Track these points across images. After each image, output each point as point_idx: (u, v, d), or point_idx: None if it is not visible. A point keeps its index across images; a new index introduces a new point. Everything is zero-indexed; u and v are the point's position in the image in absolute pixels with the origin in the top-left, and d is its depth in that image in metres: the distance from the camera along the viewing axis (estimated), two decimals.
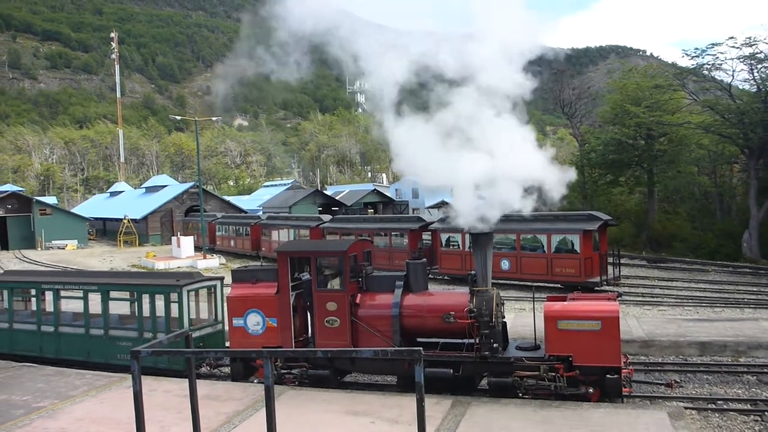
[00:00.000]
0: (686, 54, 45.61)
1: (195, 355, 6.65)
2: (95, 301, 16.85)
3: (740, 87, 40.60)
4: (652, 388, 13.87)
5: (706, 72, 41.08)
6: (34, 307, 18.22)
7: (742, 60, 37.45)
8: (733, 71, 39.06)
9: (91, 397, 13.09)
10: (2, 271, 23.07)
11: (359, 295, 13.41)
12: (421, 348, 5.68)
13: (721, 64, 38.78)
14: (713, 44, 40.33)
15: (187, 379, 13.62)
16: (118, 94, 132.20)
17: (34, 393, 13.52)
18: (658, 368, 15.22)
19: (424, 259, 13.79)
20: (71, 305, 18.04)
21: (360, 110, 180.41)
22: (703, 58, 40.01)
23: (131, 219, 62.99)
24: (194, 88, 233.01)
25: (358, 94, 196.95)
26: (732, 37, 37.57)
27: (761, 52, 36.61)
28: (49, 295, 17.80)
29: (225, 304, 15.33)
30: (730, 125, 37.54)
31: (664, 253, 40.00)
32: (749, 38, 36.85)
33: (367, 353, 5.84)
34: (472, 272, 12.76)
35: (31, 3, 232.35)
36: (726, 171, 47.80)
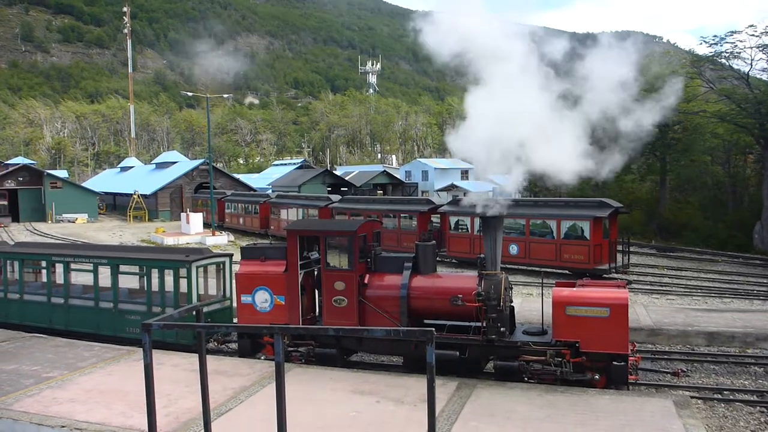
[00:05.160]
0: (704, 41, 45.07)
1: (205, 329, 6.68)
2: (105, 275, 16.99)
3: (758, 76, 40.10)
4: (659, 376, 13.89)
5: (723, 60, 40.54)
6: (44, 279, 18.40)
7: (761, 49, 36.92)
8: (752, 60, 38.56)
9: (99, 368, 13.24)
10: (13, 243, 23.27)
11: (367, 275, 13.44)
12: (434, 329, 5.67)
13: (739, 53, 38.27)
14: (732, 32, 39.79)
15: (194, 354, 13.79)
16: (130, 69, 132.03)
17: (43, 363, 13.70)
18: (665, 357, 15.22)
19: (434, 242, 13.78)
20: (81, 278, 18.20)
21: (371, 91, 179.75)
22: (721, 45, 39.48)
23: (141, 194, 63.23)
24: (206, 65, 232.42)
25: (370, 74, 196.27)
26: (752, 25, 37.19)
27: None
28: (59, 268, 17.95)
29: (233, 281, 15.42)
30: (747, 115, 37.11)
31: (675, 243, 39.83)
32: None
33: (378, 332, 5.83)
34: (481, 256, 12.74)
35: None
36: (740, 161, 47.37)
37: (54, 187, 63.88)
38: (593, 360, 11.60)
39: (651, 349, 15.98)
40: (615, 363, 11.39)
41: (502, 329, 12.11)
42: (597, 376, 11.64)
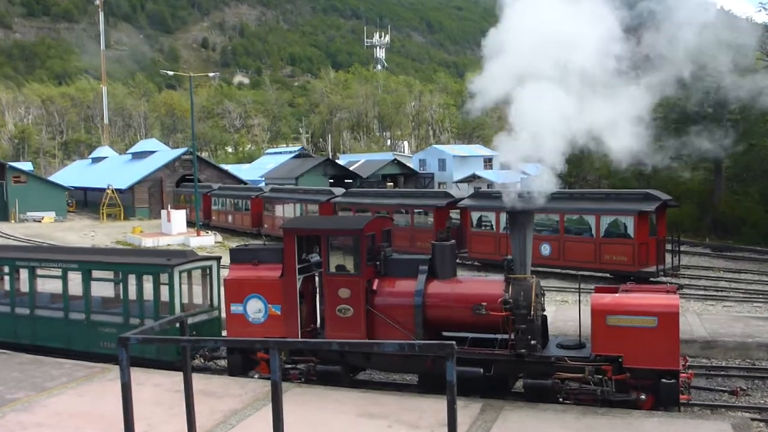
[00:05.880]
0: (763, 7, 44.50)
1: (191, 344, 6.70)
2: (75, 282, 17.04)
3: None
4: (714, 395, 13.79)
5: None
6: (7, 287, 18.49)
7: None
8: None
9: (70, 389, 13.30)
10: None
11: (376, 280, 13.42)
12: (454, 342, 5.66)
13: None
14: None
15: (178, 372, 13.81)
16: (102, 46, 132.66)
17: (7, 383, 13.77)
18: (722, 373, 15.12)
19: (453, 241, 13.75)
20: (48, 285, 18.28)
21: (379, 67, 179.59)
22: None
23: (115, 189, 63.54)
24: (189, 40, 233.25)
25: (377, 48, 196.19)
26: None
27: None
28: (24, 274, 18.02)
29: (222, 288, 15.44)
30: None
31: (732, 240, 39.56)
32: None
33: (390, 347, 5.83)
34: (509, 257, 12.69)
35: None
36: None
37: (17, 181, 64.25)
38: (639, 377, 11.53)
39: (705, 364, 15.87)
40: (664, 380, 11.31)
41: (532, 342, 12.06)
42: (643, 396, 11.58)
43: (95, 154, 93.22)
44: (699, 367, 15.25)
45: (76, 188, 74.64)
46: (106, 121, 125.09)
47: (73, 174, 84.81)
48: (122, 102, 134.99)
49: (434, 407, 11.44)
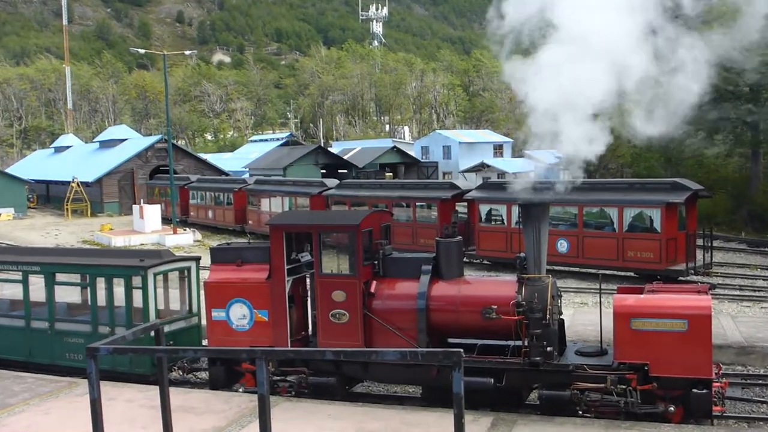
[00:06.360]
0: None
1: (168, 354, 6.73)
2: (38, 286, 17.06)
3: None
4: (751, 407, 13.87)
5: None
6: None
7: None
8: None
9: (34, 406, 13.34)
10: None
11: (374, 282, 13.47)
12: (462, 350, 5.70)
13: None
14: None
15: (154, 387, 13.86)
16: (65, 21, 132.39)
17: None
18: (759, 382, 15.20)
19: (459, 238, 13.79)
20: (7, 290, 18.29)
21: (376, 44, 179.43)
22: None
23: (81, 182, 63.41)
24: (162, 14, 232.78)
25: (374, 21, 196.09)
26: None
27: None
28: None
29: (202, 292, 15.47)
30: None
31: None
32: None
33: (390, 355, 5.88)
34: (521, 255, 12.73)
35: None
36: None
37: None
38: (667, 387, 11.59)
39: (741, 372, 15.95)
40: (695, 391, 11.37)
41: (548, 349, 12.10)
42: (672, 408, 11.64)
43: (58, 142, 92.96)
44: (734, 376, 15.32)
45: (37, 181, 74.48)
46: (69, 105, 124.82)
47: (34, 165, 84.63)
48: (88, 84, 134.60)
49: (440, 422, 11.50)
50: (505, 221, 30.07)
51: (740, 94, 43.44)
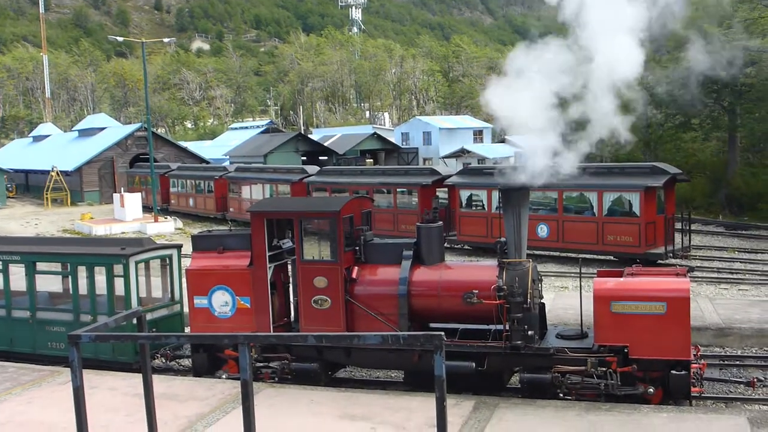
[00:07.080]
0: None
1: (151, 341, 6.70)
2: (18, 276, 16.93)
3: None
4: (729, 387, 14.01)
5: None
6: None
7: None
8: None
9: (15, 395, 13.26)
10: None
11: (356, 268, 13.47)
12: (443, 333, 5.71)
13: None
14: None
15: (136, 374, 13.81)
16: (41, 9, 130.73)
17: None
18: (737, 363, 15.35)
19: (440, 223, 13.80)
20: None
21: (355, 30, 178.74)
22: None
23: (61, 171, 62.87)
24: (140, 1, 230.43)
25: (353, 8, 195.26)
26: None
27: None
28: None
29: (183, 280, 15.42)
30: None
31: (748, 218, 39.98)
32: None
33: (372, 339, 5.87)
34: (502, 240, 12.77)
35: None
36: None
37: None
38: (646, 369, 11.69)
39: (719, 353, 16.09)
40: (674, 372, 11.48)
41: (529, 333, 12.17)
42: (651, 390, 11.75)
43: (37, 131, 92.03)
44: (712, 357, 15.46)
45: (16, 171, 73.77)
46: (48, 94, 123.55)
47: (12, 155, 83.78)
48: (66, 72, 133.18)
49: (422, 406, 11.54)
50: (486, 206, 30.13)
51: (717, 78, 43.65)
